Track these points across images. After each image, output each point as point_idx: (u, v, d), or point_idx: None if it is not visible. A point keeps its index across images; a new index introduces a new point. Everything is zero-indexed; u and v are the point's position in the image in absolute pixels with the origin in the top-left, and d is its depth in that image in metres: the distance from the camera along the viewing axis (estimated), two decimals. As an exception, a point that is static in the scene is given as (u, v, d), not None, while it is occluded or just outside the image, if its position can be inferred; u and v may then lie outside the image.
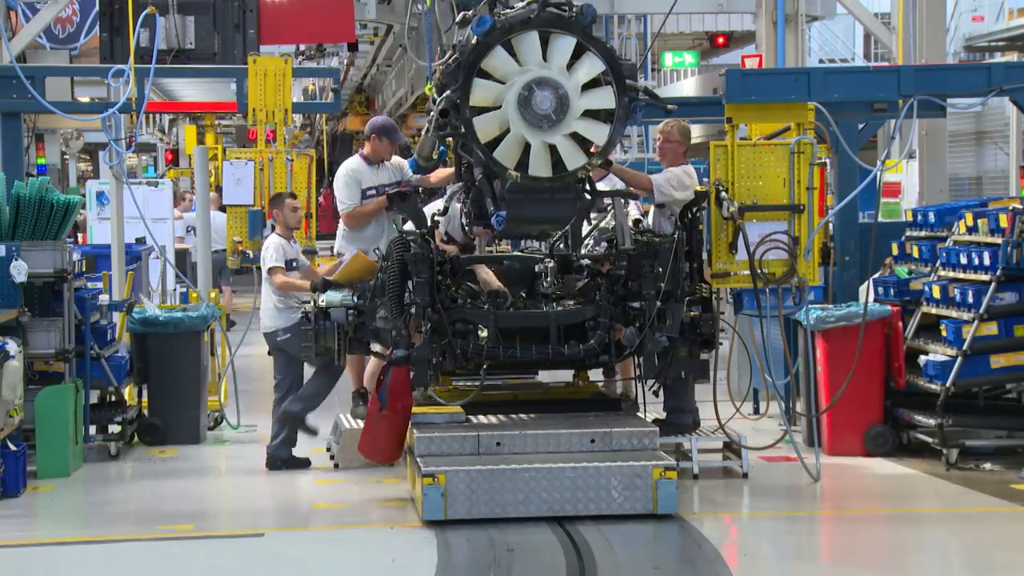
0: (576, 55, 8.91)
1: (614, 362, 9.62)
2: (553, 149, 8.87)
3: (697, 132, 27.53)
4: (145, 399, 11.64)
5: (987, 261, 10.04)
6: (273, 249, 10.54)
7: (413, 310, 9.25)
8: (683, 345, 9.49)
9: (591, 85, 8.92)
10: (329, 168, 44.69)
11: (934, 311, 10.51)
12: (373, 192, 10.65)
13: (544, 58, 8.88)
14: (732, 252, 9.99)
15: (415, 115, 31.87)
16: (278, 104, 11.65)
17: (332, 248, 11.24)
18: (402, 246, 9.31)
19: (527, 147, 8.85)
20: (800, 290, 9.98)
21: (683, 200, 9.85)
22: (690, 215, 9.81)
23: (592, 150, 9.06)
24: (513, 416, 9.50)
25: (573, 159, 8.91)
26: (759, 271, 9.86)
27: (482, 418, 9.35)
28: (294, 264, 10.64)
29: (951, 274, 10.45)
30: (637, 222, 9.94)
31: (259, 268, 10.70)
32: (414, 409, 9.34)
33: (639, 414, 9.89)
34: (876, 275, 11.04)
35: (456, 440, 8.92)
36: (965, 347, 10.01)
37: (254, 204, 11.61)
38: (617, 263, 9.54)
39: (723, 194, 9.85)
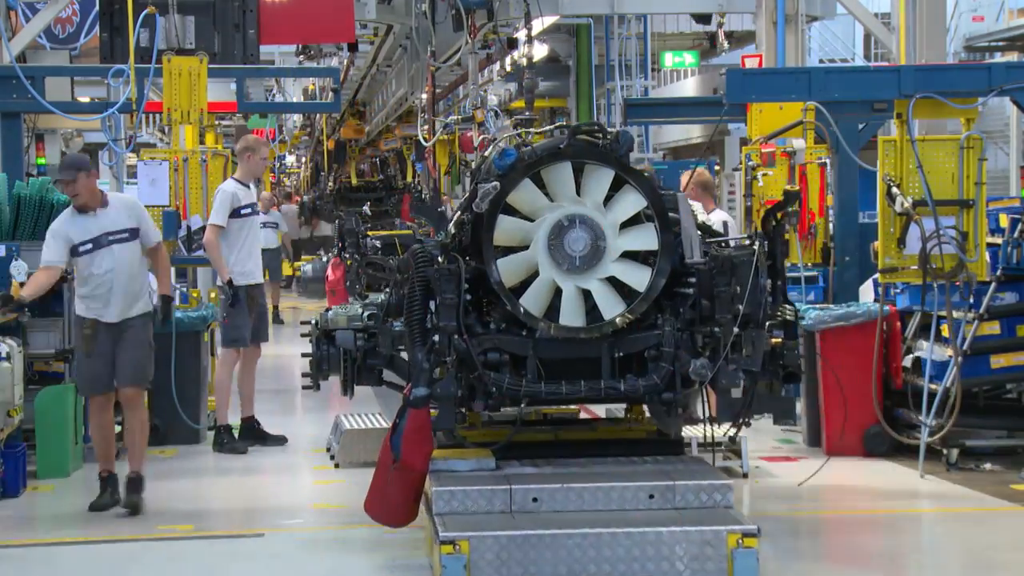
0: (614, 187, 7.74)
1: (681, 401, 7.87)
2: (587, 295, 7.67)
3: (697, 132, 27.63)
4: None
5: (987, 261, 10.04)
6: None
7: (437, 337, 7.64)
8: (763, 379, 7.92)
9: (630, 222, 7.72)
10: (318, 171, 44.67)
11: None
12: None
13: (578, 192, 7.73)
14: (900, 247, 9.92)
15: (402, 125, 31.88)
16: (193, 104, 11.68)
17: None
18: (424, 259, 7.69)
19: (558, 292, 7.67)
20: (968, 284, 9.86)
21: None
22: (775, 221, 8.18)
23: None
24: (553, 464, 7.81)
25: (610, 306, 7.68)
26: (929, 266, 9.73)
27: (515, 465, 7.75)
28: None
29: (951, 274, 10.44)
30: (707, 229, 8.37)
31: None
32: (433, 453, 7.69)
33: (707, 461, 8.25)
34: (876, 275, 11.03)
35: (483, 495, 7.31)
36: (965, 347, 10.02)
37: (169, 204, 11.54)
38: (684, 280, 7.89)
39: (894, 189, 9.73)
